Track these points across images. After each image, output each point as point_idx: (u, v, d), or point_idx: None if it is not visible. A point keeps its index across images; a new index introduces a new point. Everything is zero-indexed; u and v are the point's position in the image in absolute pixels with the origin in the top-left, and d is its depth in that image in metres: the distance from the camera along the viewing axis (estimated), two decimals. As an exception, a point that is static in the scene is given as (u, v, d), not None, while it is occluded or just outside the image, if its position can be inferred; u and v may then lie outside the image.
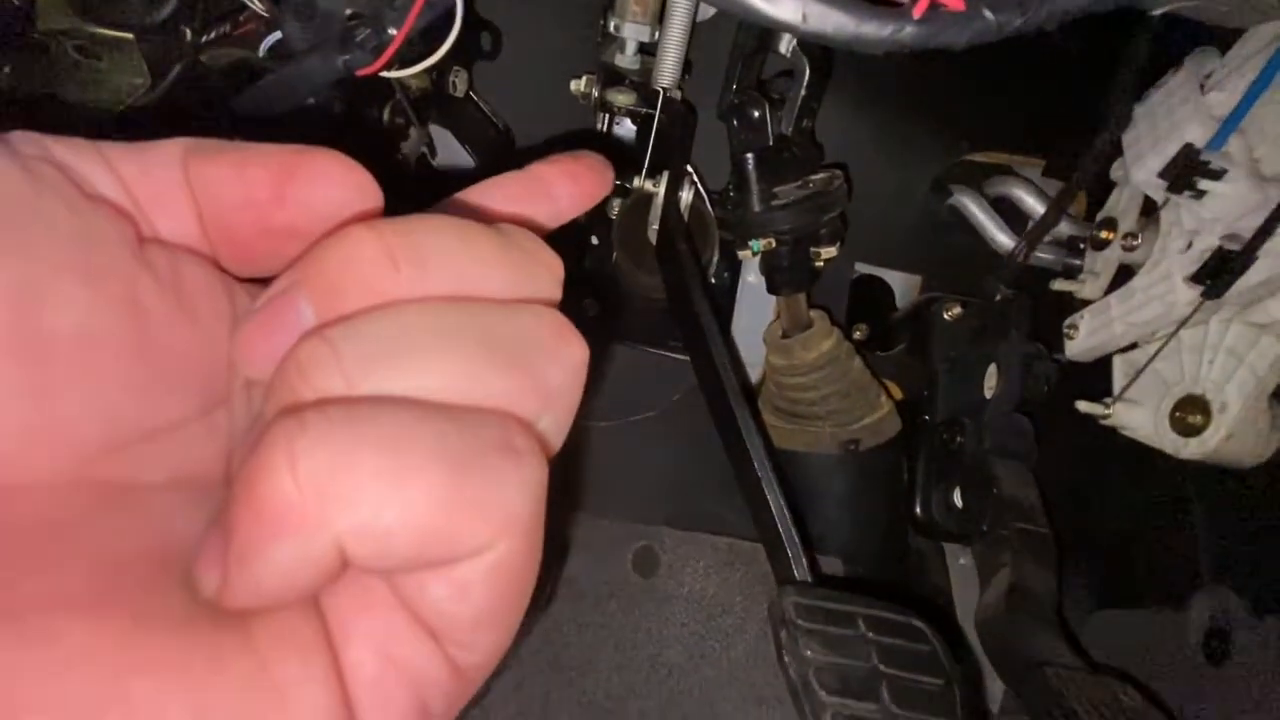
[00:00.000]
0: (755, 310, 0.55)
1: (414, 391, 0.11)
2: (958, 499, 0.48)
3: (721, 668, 0.49)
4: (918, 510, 0.49)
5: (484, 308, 0.12)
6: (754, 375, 0.56)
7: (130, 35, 0.34)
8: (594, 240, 0.54)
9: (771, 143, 0.45)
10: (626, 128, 0.50)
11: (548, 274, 0.13)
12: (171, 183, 0.13)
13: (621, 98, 0.48)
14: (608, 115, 0.50)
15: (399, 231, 0.12)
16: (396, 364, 0.11)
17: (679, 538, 0.52)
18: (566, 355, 0.13)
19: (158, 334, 0.12)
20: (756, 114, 0.44)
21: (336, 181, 0.13)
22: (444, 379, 0.11)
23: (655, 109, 0.47)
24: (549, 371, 0.12)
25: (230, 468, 0.13)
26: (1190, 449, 0.41)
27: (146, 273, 0.12)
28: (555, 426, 0.13)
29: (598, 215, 0.53)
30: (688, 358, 0.50)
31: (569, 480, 0.53)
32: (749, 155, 0.45)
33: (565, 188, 0.16)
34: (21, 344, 0.11)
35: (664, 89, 0.47)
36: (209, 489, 0.13)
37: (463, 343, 0.12)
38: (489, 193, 0.16)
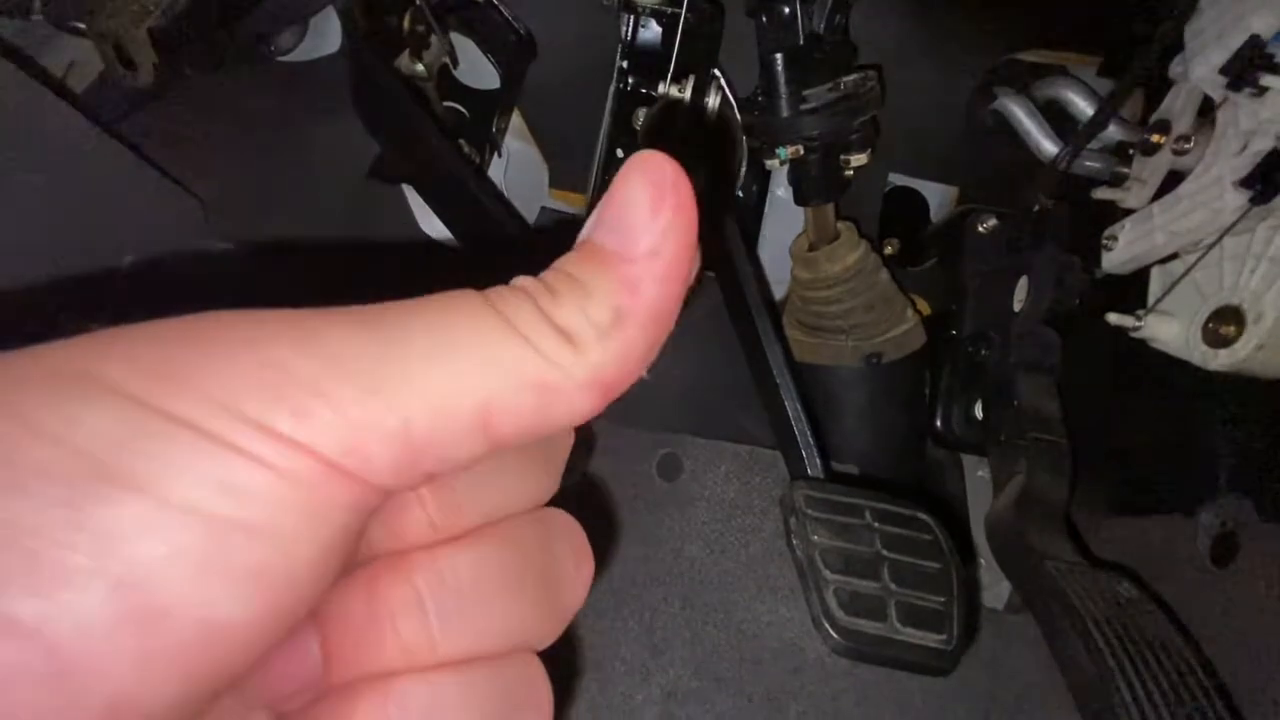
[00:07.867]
0: (784, 225, 0.54)
1: (475, 650, 0.12)
2: (978, 411, 0.49)
3: (739, 561, 0.53)
4: (938, 422, 0.50)
5: (522, 541, 0.13)
6: (780, 292, 0.56)
7: (152, -58, 0.34)
8: (618, 153, 0.53)
9: (802, 41, 0.43)
10: (652, 30, 0.48)
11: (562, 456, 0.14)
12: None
13: (646, -4, 0.46)
14: (632, 16, 0.48)
15: (443, 505, 0.12)
16: (471, 622, 0.12)
17: (702, 445, 0.54)
18: (582, 579, 0.13)
19: None
20: (787, 10, 0.42)
21: None
22: (501, 635, 0.12)
23: (682, 8, 0.45)
24: (572, 601, 0.13)
25: None
26: (1220, 360, 0.40)
27: None
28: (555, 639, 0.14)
29: (622, 127, 0.52)
30: (712, 273, 0.50)
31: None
32: (778, 55, 0.43)
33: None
34: None
35: (690, -14, 0.45)
36: None
37: (517, 592, 0.12)
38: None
